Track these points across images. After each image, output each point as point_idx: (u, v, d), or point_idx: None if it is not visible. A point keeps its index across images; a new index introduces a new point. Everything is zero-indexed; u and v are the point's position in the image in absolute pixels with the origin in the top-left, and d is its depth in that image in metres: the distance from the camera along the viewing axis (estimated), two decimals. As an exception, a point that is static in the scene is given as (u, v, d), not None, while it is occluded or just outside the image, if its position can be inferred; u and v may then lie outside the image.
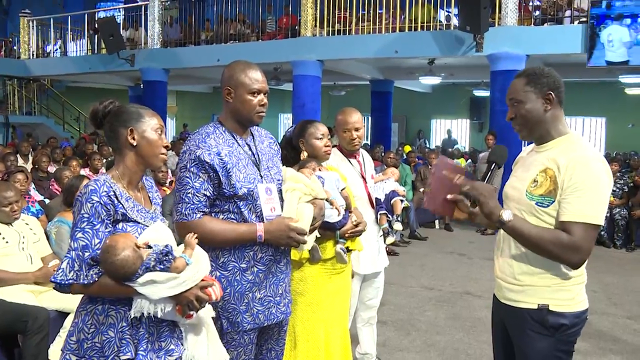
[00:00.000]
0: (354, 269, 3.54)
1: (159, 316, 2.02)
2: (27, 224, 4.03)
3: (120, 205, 2.07)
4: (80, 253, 2.00)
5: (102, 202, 2.02)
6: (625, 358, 4.47)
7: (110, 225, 2.05)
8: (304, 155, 3.10)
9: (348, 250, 3.10)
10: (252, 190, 2.43)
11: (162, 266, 1.97)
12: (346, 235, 3.04)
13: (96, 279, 2.00)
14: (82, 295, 2.13)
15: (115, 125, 2.15)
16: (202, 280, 2.06)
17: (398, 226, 3.72)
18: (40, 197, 6.21)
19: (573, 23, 10.11)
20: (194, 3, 13.86)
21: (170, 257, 1.99)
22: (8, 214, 3.81)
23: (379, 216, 3.67)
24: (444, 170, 2.24)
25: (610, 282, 6.70)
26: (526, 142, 2.43)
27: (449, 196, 2.19)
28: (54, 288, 2.06)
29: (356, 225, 3.07)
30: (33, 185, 6.26)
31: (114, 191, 2.07)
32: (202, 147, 2.37)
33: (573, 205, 2.12)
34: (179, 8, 14.75)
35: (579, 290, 2.29)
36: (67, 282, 1.99)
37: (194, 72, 14.02)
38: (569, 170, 2.16)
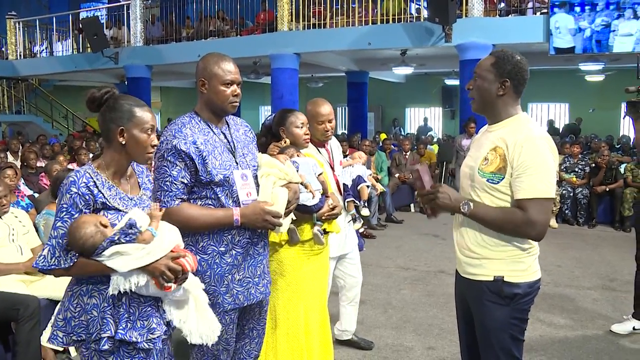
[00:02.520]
0: None
1: (134, 290, 2.08)
2: (16, 216, 4.14)
3: (100, 195, 2.13)
4: (60, 240, 2.08)
5: (80, 192, 2.08)
6: (585, 324, 4.78)
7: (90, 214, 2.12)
8: (285, 142, 3.20)
9: (325, 232, 3.18)
10: (228, 177, 2.49)
11: (127, 238, 2.05)
12: (323, 217, 3.11)
13: (75, 260, 2.08)
14: (69, 279, 2.22)
15: (107, 119, 2.19)
16: (173, 251, 2.12)
17: (365, 212, 3.78)
18: (30, 192, 6.48)
19: (535, 14, 10.56)
20: (175, 1, 14.13)
21: (134, 229, 2.06)
22: None
23: (346, 203, 3.75)
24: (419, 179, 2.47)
25: (573, 256, 7.07)
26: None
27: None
28: (39, 271, 2.14)
29: (332, 209, 3.14)
30: (23, 181, 6.49)
31: (94, 181, 2.13)
32: (178, 137, 2.43)
33: (525, 183, 2.24)
34: (160, 6, 15.00)
35: (531, 261, 2.39)
36: (48, 268, 2.09)
37: (176, 68, 14.28)
38: (517, 149, 2.26)
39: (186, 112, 2.63)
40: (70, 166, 7.39)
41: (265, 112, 23.61)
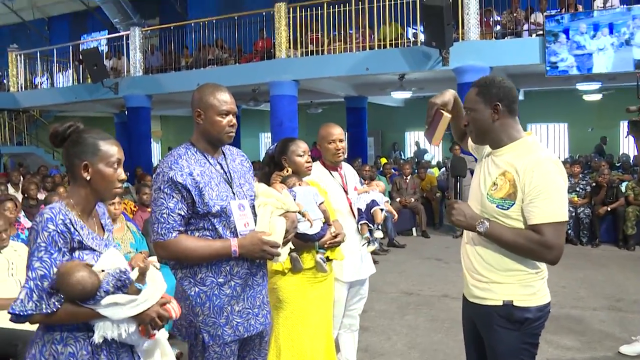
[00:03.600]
0: (337, 276, 3.62)
1: (123, 337, 2.01)
2: (15, 250, 4.08)
3: (77, 233, 2.02)
4: (39, 283, 1.92)
5: (58, 230, 1.96)
6: (593, 346, 4.75)
7: (68, 254, 1.99)
8: (288, 171, 3.20)
9: (328, 259, 3.19)
10: (225, 207, 2.47)
11: (120, 291, 1.97)
12: (325, 245, 3.13)
13: (59, 306, 1.94)
14: (36, 326, 2.08)
15: (71, 154, 2.10)
16: (161, 297, 2.07)
17: (379, 234, 3.74)
18: (30, 224, 6.48)
19: (531, 36, 10.64)
20: (173, 31, 14.25)
21: (127, 281, 1.99)
22: None
23: (359, 226, 3.72)
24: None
25: (578, 277, 7.02)
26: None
27: None
28: (10, 320, 1.96)
29: (335, 236, 3.16)
30: (23, 213, 6.49)
31: (69, 219, 2.02)
32: (174, 169, 2.43)
33: (540, 209, 2.23)
34: (159, 36, 15.17)
35: (541, 285, 2.38)
36: (26, 313, 1.92)
37: (175, 96, 14.34)
38: (528, 173, 2.25)
39: (186, 140, 2.62)
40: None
41: (266, 139, 23.71)
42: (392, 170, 12.04)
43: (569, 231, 9.13)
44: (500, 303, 2.36)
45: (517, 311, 2.34)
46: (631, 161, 14.47)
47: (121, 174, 2.15)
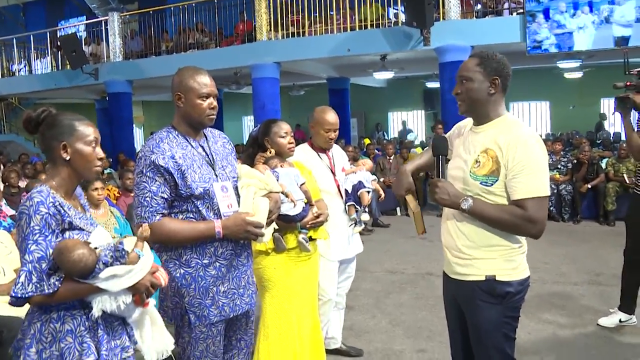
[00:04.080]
0: (326, 256, 3.70)
1: (121, 309, 2.05)
2: None
3: (67, 214, 2.06)
4: (37, 265, 1.96)
5: (50, 212, 2.00)
6: (574, 320, 4.82)
7: (60, 235, 2.05)
8: (271, 152, 3.23)
9: (311, 239, 3.22)
10: (208, 189, 2.49)
11: (118, 262, 2.02)
12: (307, 226, 3.17)
13: (59, 285, 1.98)
14: (20, 312, 2.10)
15: (47, 137, 2.12)
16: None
17: (365, 217, 3.80)
18: (12, 212, 6.45)
19: (512, 14, 10.66)
20: (153, 15, 14.11)
21: (124, 252, 2.03)
22: None
23: (347, 207, 3.79)
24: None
25: (559, 253, 7.11)
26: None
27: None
28: (9, 303, 2.00)
29: (317, 217, 3.19)
30: (4, 201, 6.45)
31: (58, 201, 2.05)
32: (156, 152, 2.43)
33: (523, 184, 2.27)
34: (139, 21, 14.96)
35: (521, 259, 2.42)
36: (27, 295, 1.96)
37: (157, 81, 14.17)
38: (511, 150, 2.28)
39: (168, 125, 2.62)
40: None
41: (249, 122, 23.64)
42: (376, 151, 12.09)
43: (551, 208, 9.21)
44: (483, 278, 2.38)
45: (499, 285, 2.37)
46: (611, 138, 14.65)
47: (100, 152, 2.18)
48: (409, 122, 21.43)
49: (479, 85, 2.39)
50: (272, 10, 12.08)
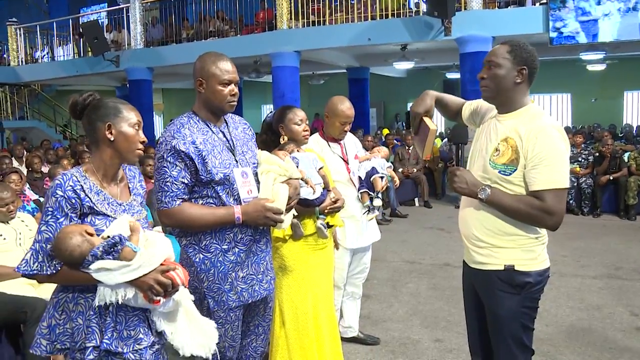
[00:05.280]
0: (341, 243, 3.70)
1: (120, 302, 2.01)
2: (22, 221, 4.15)
3: (88, 199, 2.07)
4: (44, 245, 2.02)
5: (66, 196, 2.03)
6: (590, 314, 4.81)
7: (77, 219, 2.06)
8: (284, 139, 3.20)
9: (328, 225, 3.19)
10: (228, 175, 2.48)
11: (110, 256, 1.97)
12: (325, 211, 3.13)
13: (59, 269, 2.03)
14: (44, 293, 2.25)
15: (93, 119, 2.15)
16: (163, 264, 2.04)
17: (378, 202, 3.75)
18: (35, 196, 6.54)
19: (535, 5, 10.53)
20: (174, 3, 14.13)
21: (118, 247, 1.98)
22: (5, 213, 3.96)
23: (360, 194, 3.77)
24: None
25: (579, 246, 7.07)
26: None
27: None
28: (22, 275, 2.09)
29: (334, 202, 3.16)
30: (28, 185, 6.54)
31: (81, 185, 2.07)
32: (177, 137, 2.43)
33: (542, 175, 2.25)
34: (160, 8, 15.02)
35: (541, 250, 2.41)
36: (30, 273, 2.04)
37: (177, 69, 14.26)
38: (531, 140, 2.27)
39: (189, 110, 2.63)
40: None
41: (267, 111, 23.43)
42: (395, 141, 12.04)
43: (571, 201, 9.15)
44: (502, 268, 2.38)
45: (518, 275, 2.36)
46: (634, 131, 14.45)
47: (142, 135, 2.21)
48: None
49: (506, 73, 2.37)
50: (291, -1, 12.03)
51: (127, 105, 2.21)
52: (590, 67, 15.93)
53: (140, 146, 2.20)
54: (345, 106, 3.70)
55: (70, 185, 2.05)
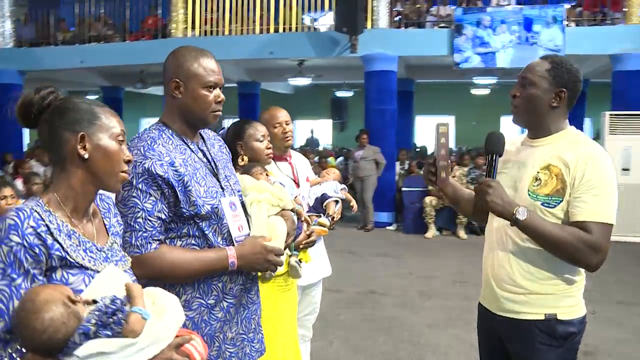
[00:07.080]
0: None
1: None
2: None
3: (57, 246, 1.43)
4: None
5: (25, 244, 1.37)
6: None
7: (41, 277, 1.40)
8: (243, 159, 2.74)
9: (300, 262, 2.85)
10: (216, 207, 1.95)
11: (108, 332, 1.34)
12: (300, 246, 2.82)
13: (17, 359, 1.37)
14: None
15: (56, 127, 1.52)
16: (177, 335, 1.48)
17: (325, 220, 3.27)
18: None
19: (433, 27, 10.76)
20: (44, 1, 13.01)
21: (119, 315, 1.36)
22: None
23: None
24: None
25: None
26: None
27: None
28: None
29: (309, 235, 2.86)
30: None
31: (46, 225, 1.42)
32: (150, 157, 1.85)
33: (590, 205, 1.99)
34: (28, 5, 13.75)
35: (580, 294, 2.17)
36: None
37: (55, 74, 13.06)
38: (580, 166, 2.01)
39: (157, 121, 2.04)
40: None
41: (147, 125, 22.51)
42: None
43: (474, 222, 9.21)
44: (542, 317, 2.10)
45: (561, 325, 2.09)
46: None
47: (126, 151, 1.60)
48: (315, 131, 21.26)
49: (542, 94, 2.10)
50: (189, 5, 11.39)
51: (106, 109, 1.59)
52: (474, 91, 16.60)
53: (126, 167, 1.59)
54: (271, 110, 3.29)
55: (32, 226, 1.39)
